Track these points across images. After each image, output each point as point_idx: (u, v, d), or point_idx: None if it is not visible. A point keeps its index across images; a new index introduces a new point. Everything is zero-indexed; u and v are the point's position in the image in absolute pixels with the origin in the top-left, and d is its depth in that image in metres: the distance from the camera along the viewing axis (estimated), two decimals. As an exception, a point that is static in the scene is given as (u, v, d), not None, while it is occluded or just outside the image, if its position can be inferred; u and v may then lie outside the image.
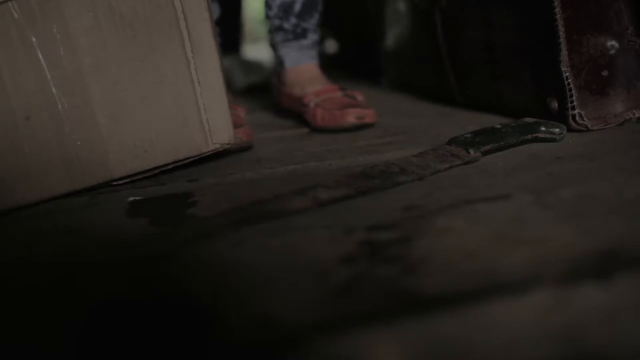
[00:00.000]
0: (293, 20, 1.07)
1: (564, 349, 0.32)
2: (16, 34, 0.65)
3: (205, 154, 0.76)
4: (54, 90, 0.67)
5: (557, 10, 0.78)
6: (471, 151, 0.70)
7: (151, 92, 0.72)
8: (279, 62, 1.11)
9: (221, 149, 0.76)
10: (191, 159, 0.75)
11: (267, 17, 1.10)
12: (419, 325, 0.35)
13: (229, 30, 1.59)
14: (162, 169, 0.74)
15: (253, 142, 0.89)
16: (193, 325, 0.37)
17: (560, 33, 0.78)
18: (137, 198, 0.68)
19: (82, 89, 0.69)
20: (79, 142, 0.69)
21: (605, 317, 0.34)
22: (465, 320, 0.35)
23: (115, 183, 0.72)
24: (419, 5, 1.15)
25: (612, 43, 0.79)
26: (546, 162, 0.68)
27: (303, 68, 1.09)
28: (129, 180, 0.72)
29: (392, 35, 1.34)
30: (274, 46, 1.11)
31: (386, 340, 0.34)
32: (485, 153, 0.71)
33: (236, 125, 0.81)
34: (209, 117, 0.74)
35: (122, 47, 0.70)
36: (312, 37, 1.09)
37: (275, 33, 1.09)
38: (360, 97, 1.02)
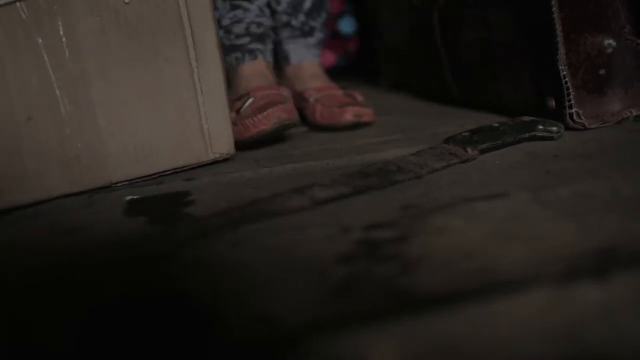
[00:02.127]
0: (302, 17, 1.07)
1: (564, 347, 0.32)
2: (22, 35, 0.65)
3: (205, 163, 0.76)
4: (57, 91, 0.67)
5: (555, 9, 0.78)
6: (469, 149, 0.70)
7: (153, 97, 0.72)
8: (284, 57, 1.10)
9: (220, 159, 0.77)
10: (190, 167, 0.76)
11: (275, 12, 1.09)
12: (419, 325, 0.35)
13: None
14: (161, 174, 0.74)
15: (296, 119, 0.87)
16: (193, 325, 0.37)
17: (558, 32, 0.78)
18: (134, 197, 0.68)
19: (85, 92, 0.69)
20: (79, 145, 0.69)
21: (604, 315, 0.35)
22: (465, 319, 0.36)
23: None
24: (417, 5, 1.15)
25: (609, 42, 0.79)
26: (544, 160, 0.68)
27: (306, 64, 1.09)
28: (126, 181, 0.73)
29: (391, 35, 1.34)
30: (279, 42, 1.11)
31: (386, 339, 0.34)
32: (482, 151, 0.71)
33: (277, 102, 0.82)
34: (209, 126, 0.75)
35: (127, 51, 0.70)
36: (318, 35, 1.10)
37: (282, 29, 1.08)
38: (360, 97, 1.03)
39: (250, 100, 0.88)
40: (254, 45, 0.97)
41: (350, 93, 1.02)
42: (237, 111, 0.88)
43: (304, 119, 1.03)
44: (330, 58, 1.57)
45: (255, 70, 0.97)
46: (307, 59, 1.09)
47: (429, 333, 0.35)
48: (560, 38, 0.78)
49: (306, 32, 1.08)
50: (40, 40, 0.66)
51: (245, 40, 0.98)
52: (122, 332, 0.37)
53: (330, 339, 0.35)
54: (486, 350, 0.33)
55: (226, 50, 0.99)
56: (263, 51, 0.98)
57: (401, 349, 0.33)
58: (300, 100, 1.04)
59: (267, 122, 0.80)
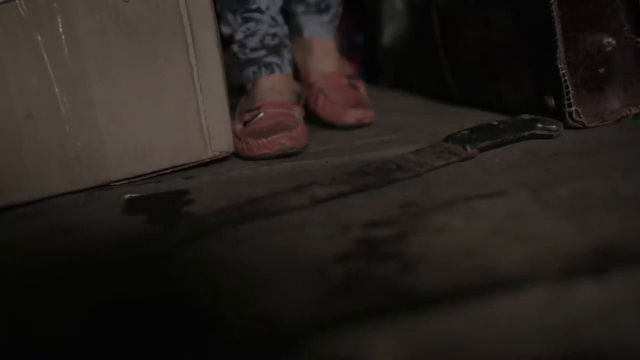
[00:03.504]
0: None
1: (563, 345, 0.32)
2: (22, 33, 0.65)
3: (204, 161, 0.76)
4: (56, 90, 0.67)
5: (554, 8, 0.78)
6: (468, 148, 0.70)
7: (153, 96, 0.72)
8: (297, 29, 1.07)
9: (220, 157, 0.77)
10: (189, 165, 0.76)
11: None
12: (419, 324, 0.35)
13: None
14: (160, 173, 0.74)
15: (302, 145, 0.83)
16: (193, 325, 0.37)
17: (557, 31, 0.78)
18: (133, 195, 0.68)
19: (84, 91, 0.69)
20: (79, 144, 0.69)
21: (603, 314, 0.35)
22: (465, 318, 0.36)
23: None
24: (416, 5, 1.15)
25: (608, 40, 0.79)
26: (543, 158, 0.68)
27: (318, 42, 1.07)
28: (125, 179, 0.73)
29: (390, 34, 1.34)
30: (292, 14, 1.07)
31: (386, 339, 0.34)
32: (482, 150, 0.71)
33: (285, 126, 0.80)
34: (209, 125, 0.75)
35: (126, 50, 0.70)
36: (333, 11, 1.08)
37: (297, 4, 1.06)
38: (362, 88, 1.04)
39: (260, 115, 0.86)
40: (269, 59, 0.95)
41: (354, 83, 1.03)
42: (245, 123, 0.86)
43: (306, 104, 1.02)
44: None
45: (272, 85, 0.95)
46: (321, 36, 1.07)
47: (428, 332, 0.35)
48: (559, 37, 0.78)
49: (322, 10, 1.06)
50: (40, 39, 0.66)
51: (261, 53, 0.95)
52: (122, 332, 0.38)
53: (330, 339, 0.35)
54: (486, 350, 0.33)
55: (242, 65, 0.97)
56: (280, 64, 0.96)
57: (401, 348, 0.33)
58: (304, 83, 1.03)
59: (270, 147, 0.79)
